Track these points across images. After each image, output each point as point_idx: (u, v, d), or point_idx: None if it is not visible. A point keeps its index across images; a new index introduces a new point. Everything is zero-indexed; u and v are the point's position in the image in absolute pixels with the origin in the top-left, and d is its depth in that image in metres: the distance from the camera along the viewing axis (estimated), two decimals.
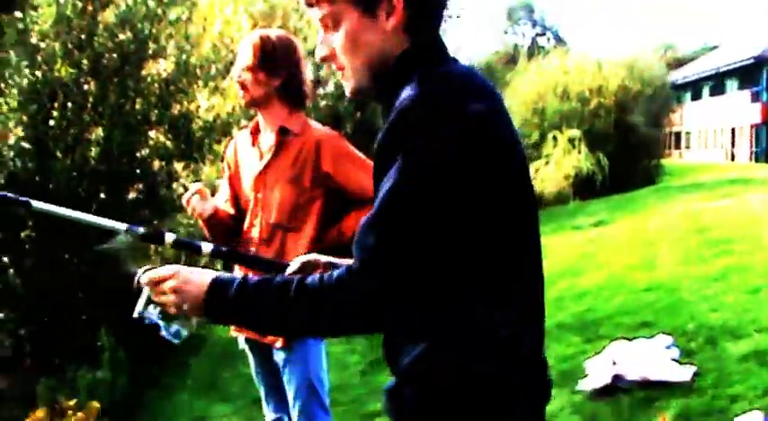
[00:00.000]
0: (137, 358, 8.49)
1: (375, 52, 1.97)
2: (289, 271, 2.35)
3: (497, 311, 1.87)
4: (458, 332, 1.86)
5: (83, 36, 9.37)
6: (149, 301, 2.09)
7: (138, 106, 9.70)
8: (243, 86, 3.87)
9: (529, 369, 1.96)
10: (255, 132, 4.01)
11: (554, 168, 24.02)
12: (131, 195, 9.91)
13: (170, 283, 2.00)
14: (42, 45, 9.24)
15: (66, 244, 9.14)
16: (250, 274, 2.00)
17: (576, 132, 24.90)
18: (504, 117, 1.92)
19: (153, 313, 2.11)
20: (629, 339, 6.60)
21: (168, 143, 10.14)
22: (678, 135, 53.15)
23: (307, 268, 2.35)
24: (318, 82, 15.92)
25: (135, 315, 2.13)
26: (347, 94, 2.09)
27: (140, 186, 9.94)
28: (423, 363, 1.90)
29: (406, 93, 1.84)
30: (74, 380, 8.01)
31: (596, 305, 8.29)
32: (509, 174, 1.87)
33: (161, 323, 2.12)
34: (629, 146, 25.58)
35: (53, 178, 9.04)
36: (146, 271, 2.11)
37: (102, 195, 9.54)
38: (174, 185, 10.34)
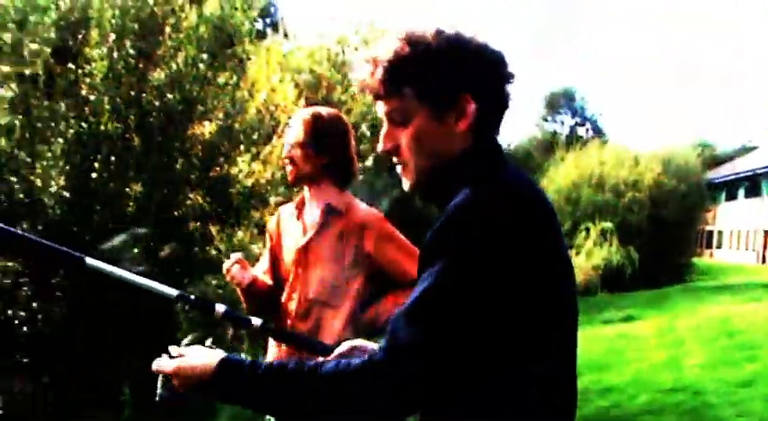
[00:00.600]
0: (156, 414, 8.47)
1: (439, 152, 1.99)
2: (335, 353, 2.37)
3: (527, 409, 1.87)
4: None
5: (132, 92, 9.51)
6: (166, 382, 2.10)
7: (179, 166, 9.79)
8: (292, 161, 3.90)
9: None
10: (301, 206, 4.03)
11: (584, 258, 23.96)
12: (164, 253, 9.96)
13: (169, 366, 2.02)
14: (91, 98, 9.37)
15: (98, 293, 9.20)
16: (260, 358, 2.03)
17: (608, 224, 24.88)
18: (551, 227, 1.92)
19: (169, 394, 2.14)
20: None
21: (206, 205, 10.21)
22: (710, 234, 52.95)
23: (354, 353, 2.37)
24: (358, 156, 15.98)
25: (156, 398, 2.16)
26: (405, 188, 2.09)
27: (174, 245, 10.00)
28: None
29: (460, 197, 1.86)
30: None
31: (621, 402, 8.22)
32: (548, 283, 1.87)
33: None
34: (660, 241, 25.52)
35: (89, 230, 9.12)
36: (233, 316, 2.18)
37: (136, 250, 9.58)
38: (208, 248, 10.40)
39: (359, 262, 3.78)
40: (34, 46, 9.24)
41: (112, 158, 9.38)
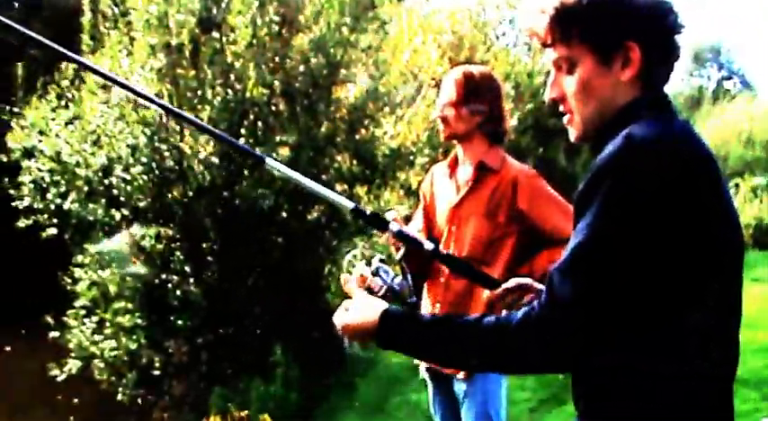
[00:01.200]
0: (307, 374, 8.63)
1: (605, 101, 1.98)
2: (502, 287, 2.44)
3: (684, 361, 1.87)
4: (643, 380, 1.86)
5: (276, 58, 9.62)
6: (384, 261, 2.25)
7: (324, 129, 9.89)
8: (444, 121, 3.93)
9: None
10: (454, 165, 4.05)
11: None
12: (313, 215, 10.09)
13: (341, 318, 2.14)
14: (237, 65, 9.52)
15: (249, 257, 9.43)
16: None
17: (759, 180, 24.16)
18: (712, 176, 1.89)
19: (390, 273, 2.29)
20: None
21: (353, 167, 10.30)
22: None
23: (520, 291, 2.42)
24: None
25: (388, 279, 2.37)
26: (571, 139, 2.11)
27: (322, 207, 10.13)
28: (612, 410, 1.90)
29: (615, 143, 1.83)
30: (246, 392, 8.22)
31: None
32: (706, 233, 1.84)
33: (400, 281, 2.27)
34: None
35: (238, 193, 9.31)
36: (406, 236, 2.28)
37: (284, 213, 9.74)
38: None
39: (512, 218, 3.79)
40: (180, 17, 9.43)
41: (259, 124, 9.52)
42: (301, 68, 9.70)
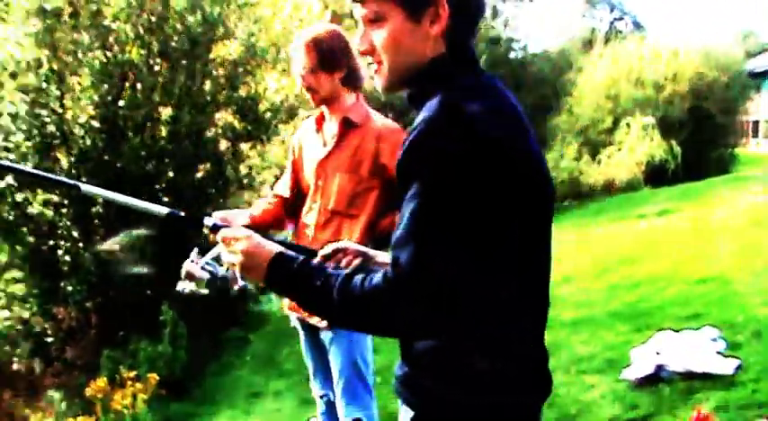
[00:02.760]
0: (197, 333, 8.72)
1: (413, 55, 2.06)
2: (320, 254, 2.51)
3: (506, 322, 2.02)
4: (469, 334, 1.99)
5: (153, 19, 9.60)
6: (217, 259, 2.29)
7: (206, 87, 9.90)
8: (309, 89, 4.01)
9: (526, 365, 2.10)
10: (321, 120, 4.14)
11: (626, 155, 23.79)
12: (199, 175, 10.13)
13: (242, 244, 2.16)
14: (114, 27, 9.47)
15: (133, 221, 9.43)
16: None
17: (649, 119, 24.57)
18: (520, 136, 2.00)
19: (217, 267, 2.34)
20: (677, 330, 6.62)
21: (236, 124, 10.34)
22: (756, 124, 52.00)
23: (337, 254, 2.52)
24: None
25: (201, 262, 2.35)
26: (378, 88, 2.17)
27: (207, 166, 10.16)
28: (437, 358, 2.05)
29: (429, 109, 1.93)
30: (135, 353, 8.28)
31: (649, 295, 8.30)
32: (522, 192, 1.95)
33: (228, 273, 2.33)
34: (702, 134, 25.18)
35: (122, 157, 9.31)
36: (222, 227, 2.32)
37: (170, 174, 9.77)
38: (242, 166, 10.58)
39: (375, 172, 3.89)
40: None
41: (139, 86, 9.51)
42: (179, 27, 9.69)
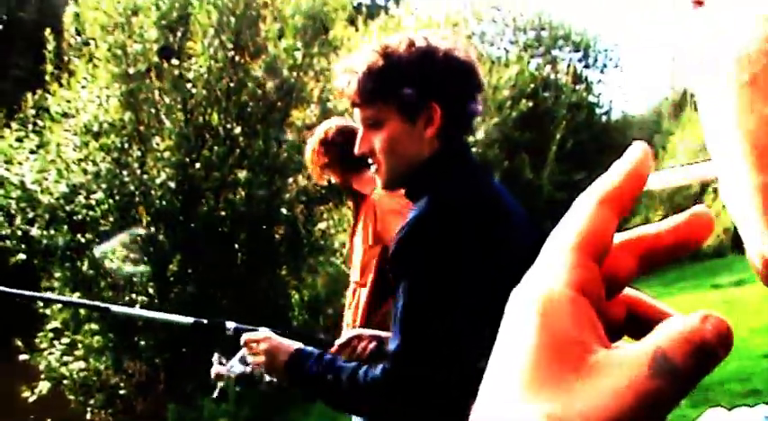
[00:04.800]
0: (265, 393, 8.85)
1: (410, 155, 2.21)
2: (337, 343, 2.66)
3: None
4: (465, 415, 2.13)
5: (232, 84, 9.91)
6: (243, 360, 2.47)
7: (282, 151, 10.16)
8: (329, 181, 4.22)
9: None
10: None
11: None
12: (273, 236, 10.35)
13: (263, 345, 2.35)
14: (194, 91, 9.81)
15: (211, 278, 9.70)
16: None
17: None
18: (506, 225, 2.18)
19: (243, 367, 2.52)
20: (731, 407, 6.57)
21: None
22: None
23: (352, 342, 2.66)
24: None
25: (227, 367, 2.53)
26: (379, 186, 2.35)
27: (282, 229, 10.38)
28: None
29: (418, 207, 2.10)
30: (201, 408, 8.46)
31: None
32: (510, 278, 2.09)
33: (255, 371, 2.51)
34: None
35: (198, 218, 9.59)
36: (243, 330, 2.52)
37: (243, 236, 10.02)
38: (315, 229, 10.78)
39: (376, 240, 4.00)
40: (138, 46, 9.72)
41: (216, 149, 9.80)
42: (257, 93, 9.99)
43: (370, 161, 2.29)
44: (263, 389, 2.73)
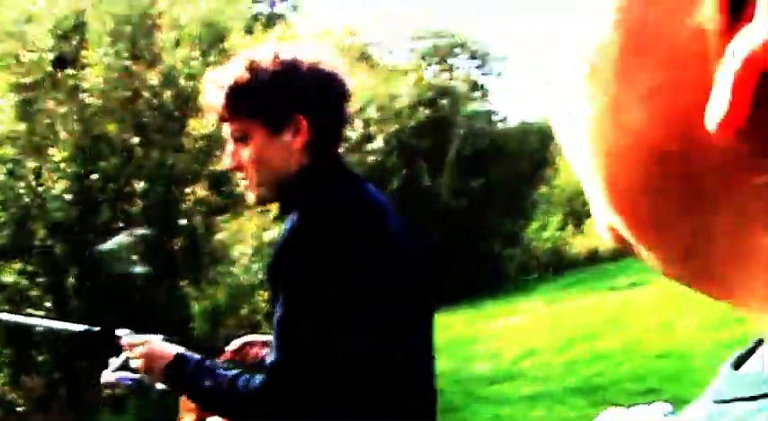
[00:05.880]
0: (163, 404, 8.78)
1: (278, 168, 2.19)
2: (227, 349, 2.66)
3: (375, 410, 2.12)
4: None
5: (128, 94, 9.82)
6: (125, 364, 2.44)
7: (179, 161, 10.10)
8: None
9: None
10: None
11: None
12: (174, 244, 10.27)
13: (142, 349, 2.31)
14: (90, 101, 9.70)
15: (106, 295, 9.59)
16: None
17: None
18: (384, 229, 2.16)
19: (130, 375, 2.48)
20: (629, 406, 6.70)
21: (210, 197, 10.51)
22: None
23: (245, 348, 2.66)
24: (368, 138, 16.25)
25: (109, 371, 2.49)
26: (249, 201, 2.34)
27: (181, 240, 10.31)
28: None
29: (290, 220, 2.10)
30: None
31: (607, 370, 8.42)
32: (390, 282, 2.12)
33: (136, 376, 2.47)
34: None
35: (95, 230, 9.47)
36: (129, 334, 2.48)
37: (140, 248, 9.92)
38: (215, 239, 10.72)
39: None
40: (32, 55, 9.58)
41: (112, 159, 9.70)
42: (153, 102, 9.92)
43: (239, 176, 2.29)
44: (153, 398, 2.69)
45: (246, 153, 2.21)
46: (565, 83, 0.46)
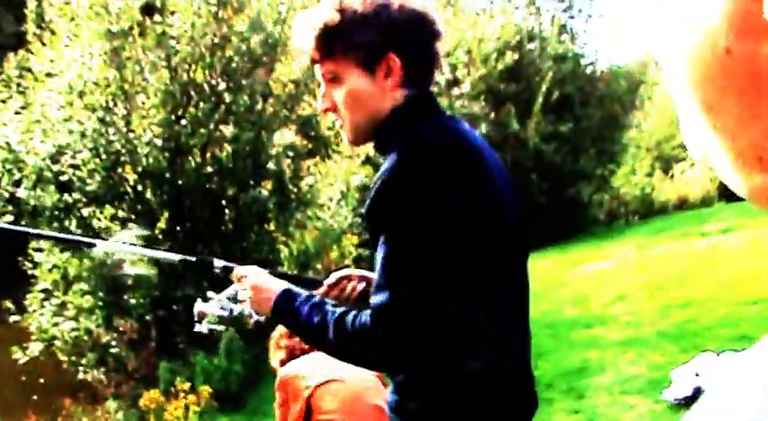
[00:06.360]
0: (254, 346, 8.89)
1: (372, 108, 2.18)
2: (326, 283, 2.67)
3: (483, 348, 2.15)
4: (449, 362, 2.13)
5: (216, 40, 9.86)
6: (233, 297, 2.46)
7: (267, 106, 10.15)
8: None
9: (507, 388, 2.24)
10: None
11: (700, 170, 23.55)
12: (262, 192, 10.35)
13: (251, 281, 2.35)
14: (178, 48, 9.77)
15: (198, 233, 9.73)
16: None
17: None
18: (485, 170, 2.14)
19: (231, 304, 2.51)
20: (720, 352, 6.61)
21: (296, 142, 10.55)
22: None
23: (342, 281, 2.67)
24: (455, 82, 16.15)
25: (216, 301, 2.52)
26: (346, 142, 2.31)
27: (269, 184, 10.38)
28: (421, 384, 2.18)
29: (390, 159, 2.07)
30: (193, 365, 8.51)
31: (699, 315, 8.28)
32: (491, 224, 2.10)
33: (243, 309, 2.50)
34: None
35: (185, 175, 9.59)
36: (233, 267, 2.52)
37: (231, 192, 10.02)
38: (302, 183, 10.78)
39: None
40: (120, 3, 9.67)
41: (201, 105, 9.78)
42: (241, 48, 9.96)
43: (334, 117, 2.28)
44: (248, 329, 2.71)
45: (340, 94, 2.20)
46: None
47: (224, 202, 10.05)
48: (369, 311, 2.08)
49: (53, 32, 10.16)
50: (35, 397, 9.92)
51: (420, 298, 2.02)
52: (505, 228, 2.17)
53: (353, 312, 2.14)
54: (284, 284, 2.31)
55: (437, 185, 2.02)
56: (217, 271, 2.76)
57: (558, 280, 11.41)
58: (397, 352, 2.07)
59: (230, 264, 2.67)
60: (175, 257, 2.81)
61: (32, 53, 10.22)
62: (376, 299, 2.06)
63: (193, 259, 2.80)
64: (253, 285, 2.33)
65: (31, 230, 3.35)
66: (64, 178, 9.67)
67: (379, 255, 2.06)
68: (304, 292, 2.28)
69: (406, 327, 2.03)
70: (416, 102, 2.21)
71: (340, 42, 2.16)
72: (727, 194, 22.84)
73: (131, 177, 9.81)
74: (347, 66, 2.17)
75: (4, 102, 10.41)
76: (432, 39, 2.23)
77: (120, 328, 9.59)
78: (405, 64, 2.16)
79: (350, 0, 2.16)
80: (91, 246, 2.93)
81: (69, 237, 3.18)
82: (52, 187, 9.64)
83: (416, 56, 2.20)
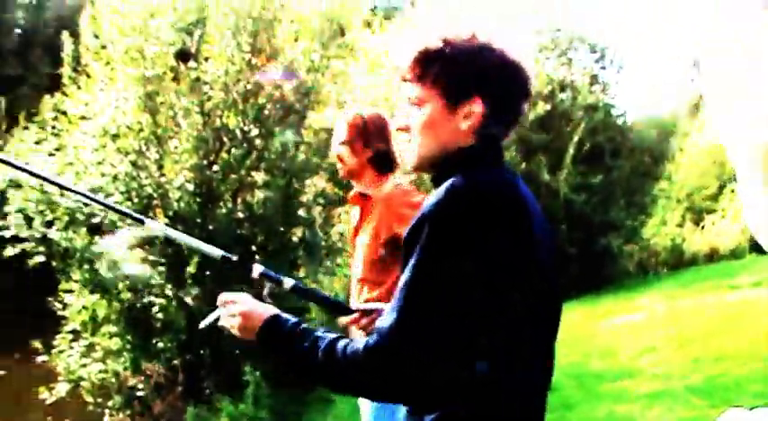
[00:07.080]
0: (280, 392, 8.89)
1: (443, 140, 2.24)
2: (360, 307, 2.69)
3: (487, 394, 2.11)
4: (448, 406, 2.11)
5: (249, 87, 9.96)
6: (217, 320, 2.47)
7: (300, 153, 10.21)
8: (340, 159, 4.25)
9: None
10: (356, 196, 4.37)
11: (731, 222, 23.41)
12: (292, 239, 10.39)
13: (238, 307, 2.35)
14: (211, 94, 9.87)
15: (225, 280, 9.74)
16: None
17: None
18: (526, 220, 2.15)
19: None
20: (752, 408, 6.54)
21: (327, 189, 10.60)
22: None
23: (372, 313, 2.69)
24: None
25: (201, 326, 2.56)
26: (407, 165, 2.38)
27: (299, 231, 10.41)
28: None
29: (438, 191, 2.10)
30: (220, 411, 8.51)
31: (729, 369, 8.22)
32: (516, 270, 2.09)
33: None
34: None
35: (215, 220, 9.65)
36: (270, 278, 2.54)
37: (261, 238, 10.06)
38: (332, 231, 10.80)
39: (391, 237, 4.01)
40: (155, 49, 9.79)
41: (233, 150, 9.85)
42: (275, 95, 10.05)
43: (403, 136, 2.34)
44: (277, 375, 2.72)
45: (418, 117, 2.27)
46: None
47: (254, 248, 10.07)
48: (364, 339, 2.09)
49: (89, 76, 10.27)
50: None
51: (427, 327, 2.03)
52: (541, 281, 2.18)
53: (347, 339, 2.15)
54: (272, 310, 2.31)
55: (477, 223, 2.05)
56: (254, 276, 2.87)
57: (587, 331, 11.35)
58: (391, 377, 2.06)
59: (269, 272, 2.81)
60: (217, 252, 2.88)
61: (67, 96, 10.34)
62: (383, 320, 2.07)
63: (234, 258, 2.92)
64: (240, 311, 2.33)
65: (88, 194, 3.43)
66: (95, 220, 9.74)
67: (402, 278, 2.07)
68: (293, 319, 2.28)
69: (406, 354, 2.03)
70: (485, 149, 2.26)
71: (433, 70, 2.23)
72: (758, 247, 22.73)
73: (162, 221, 9.87)
74: (433, 94, 2.24)
75: (38, 143, 10.53)
76: (520, 95, 2.30)
77: (147, 372, 9.62)
78: (486, 111, 2.21)
79: (458, 35, 2.24)
80: (139, 221, 3.01)
81: (120, 208, 3.29)
82: (84, 229, 9.71)
83: (500, 107, 2.26)
